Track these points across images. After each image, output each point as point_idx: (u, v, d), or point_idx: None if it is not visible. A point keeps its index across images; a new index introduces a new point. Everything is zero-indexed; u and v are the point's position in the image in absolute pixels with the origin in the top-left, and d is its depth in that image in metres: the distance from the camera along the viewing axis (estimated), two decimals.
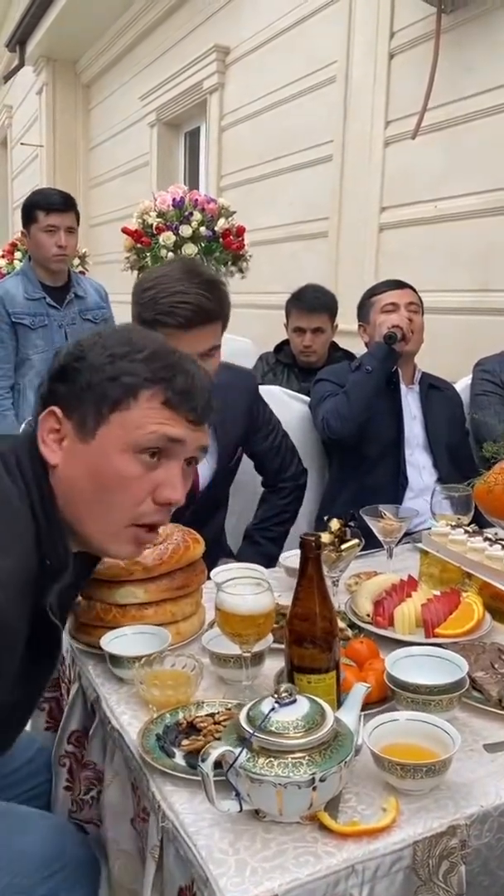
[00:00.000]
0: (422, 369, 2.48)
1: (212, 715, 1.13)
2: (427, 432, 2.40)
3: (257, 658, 1.23)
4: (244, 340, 4.44)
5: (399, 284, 2.43)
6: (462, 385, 2.67)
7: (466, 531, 1.58)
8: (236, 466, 2.02)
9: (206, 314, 1.64)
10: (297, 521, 2.56)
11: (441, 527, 1.62)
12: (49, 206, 2.83)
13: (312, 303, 3.03)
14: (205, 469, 1.89)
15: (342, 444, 2.30)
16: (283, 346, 3.22)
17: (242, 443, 2.00)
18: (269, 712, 0.93)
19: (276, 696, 0.94)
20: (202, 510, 1.82)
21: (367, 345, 2.47)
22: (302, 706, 0.94)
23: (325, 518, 1.53)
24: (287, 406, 2.53)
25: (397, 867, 0.90)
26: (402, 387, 2.41)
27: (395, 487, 2.33)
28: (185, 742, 1.07)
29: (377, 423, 2.29)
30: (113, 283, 3.42)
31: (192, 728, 1.10)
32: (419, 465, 2.39)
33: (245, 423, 1.99)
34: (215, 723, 1.10)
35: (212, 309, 1.65)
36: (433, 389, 2.46)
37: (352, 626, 1.41)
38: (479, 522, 1.73)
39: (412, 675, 1.12)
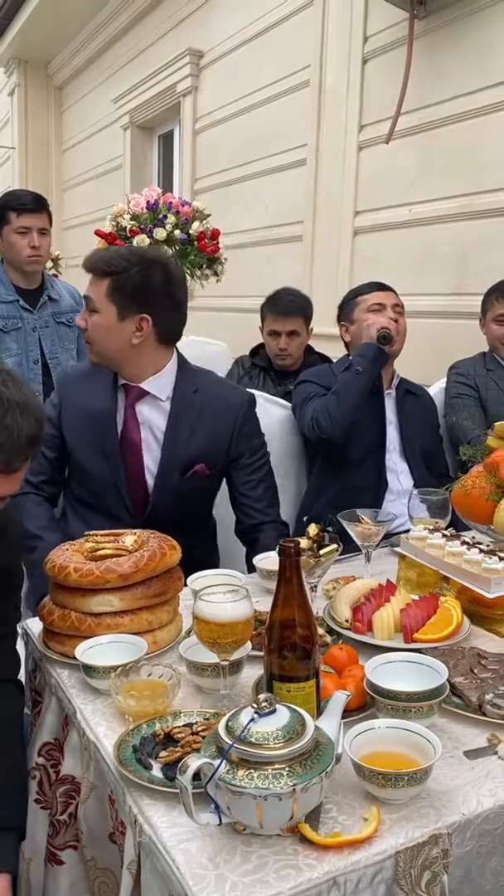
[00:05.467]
0: (399, 374, 2.48)
1: (189, 725, 1.11)
2: (402, 437, 2.40)
3: (235, 666, 1.22)
4: (219, 344, 4.43)
5: (383, 286, 2.43)
6: (437, 388, 2.68)
7: (444, 535, 1.57)
8: (205, 485, 1.91)
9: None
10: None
11: (418, 531, 1.61)
12: (21, 206, 2.79)
13: (287, 306, 3.02)
14: (147, 471, 1.85)
15: (329, 444, 2.29)
16: (258, 350, 3.21)
17: (207, 461, 1.86)
18: (249, 723, 0.91)
19: (255, 706, 0.93)
20: (163, 523, 1.63)
21: (347, 345, 2.47)
22: (282, 716, 0.93)
23: (305, 518, 1.52)
24: (263, 409, 2.50)
25: (379, 878, 0.89)
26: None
27: (376, 490, 2.33)
28: (162, 754, 1.05)
29: (360, 426, 2.29)
30: (86, 286, 3.38)
31: (169, 739, 1.08)
32: (396, 469, 2.39)
33: (211, 442, 1.86)
34: (193, 733, 1.08)
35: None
36: (409, 395, 2.46)
37: (330, 632, 1.40)
38: (457, 526, 1.73)
39: (391, 682, 1.11)
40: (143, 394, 1.84)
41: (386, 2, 3.29)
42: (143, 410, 1.85)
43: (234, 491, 1.96)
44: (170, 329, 1.83)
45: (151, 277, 1.75)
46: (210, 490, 1.96)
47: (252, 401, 1.98)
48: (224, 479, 1.97)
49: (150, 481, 1.85)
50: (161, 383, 1.85)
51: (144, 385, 1.84)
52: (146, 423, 1.85)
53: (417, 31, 3.27)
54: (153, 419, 1.85)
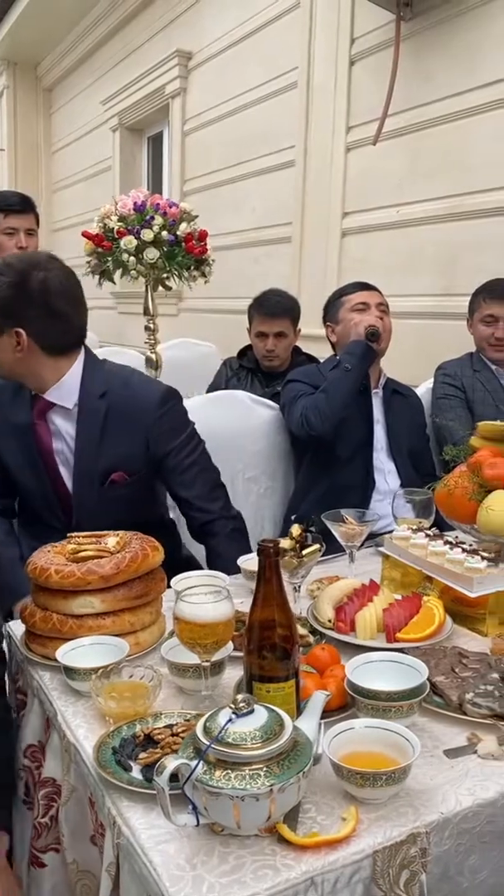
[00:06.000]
0: (386, 374, 2.49)
1: (170, 726, 1.10)
2: (389, 437, 2.41)
3: (217, 667, 1.22)
4: (208, 345, 4.44)
5: (367, 286, 2.45)
6: (423, 389, 2.69)
7: (427, 535, 1.58)
8: (134, 492, 1.81)
9: None
10: (263, 523, 2.56)
11: (402, 530, 1.62)
12: (8, 207, 2.79)
13: (274, 308, 3.03)
14: (67, 482, 1.79)
15: (318, 441, 2.30)
16: (246, 351, 3.22)
17: (125, 468, 1.78)
18: (227, 723, 0.91)
19: (233, 706, 0.92)
20: (104, 526, 1.54)
21: (333, 346, 2.48)
22: (260, 716, 0.93)
23: (293, 517, 1.52)
24: (252, 410, 2.53)
25: (357, 878, 0.89)
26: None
27: (363, 489, 2.34)
28: (142, 755, 1.05)
29: (348, 424, 2.30)
30: None
31: (149, 740, 1.08)
32: (384, 469, 2.40)
33: (124, 448, 1.77)
34: (173, 734, 1.08)
35: None
36: (396, 395, 2.47)
37: (314, 632, 1.40)
38: (441, 526, 1.73)
39: (372, 682, 1.11)
40: (51, 404, 1.77)
41: (372, 3, 3.30)
42: (57, 420, 1.78)
43: (171, 494, 1.90)
44: (51, 339, 1.71)
45: (22, 289, 1.66)
46: (142, 496, 1.84)
47: (167, 396, 1.83)
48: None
49: (72, 492, 1.79)
50: (63, 392, 1.75)
51: (48, 395, 1.76)
52: (58, 434, 1.78)
53: (404, 32, 3.28)
54: (66, 429, 1.78)
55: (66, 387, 1.76)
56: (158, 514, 1.99)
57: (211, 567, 1.80)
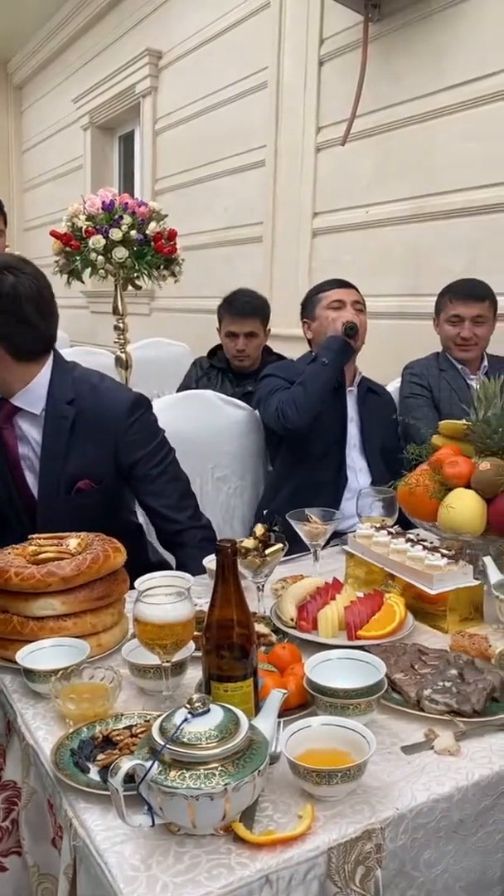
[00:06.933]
0: (361, 373, 2.50)
1: (129, 728, 1.10)
2: (362, 435, 2.43)
3: (178, 668, 1.22)
4: (180, 345, 4.43)
5: (344, 284, 2.47)
6: (392, 388, 2.71)
7: (390, 532, 1.59)
8: (100, 500, 1.79)
9: None
10: (232, 522, 2.56)
11: (365, 528, 1.63)
12: None
13: (244, 308, 3.03)
14: (33, 488, 1.77)
15: (293, 436, 2.30)
16: (216, 351, 3.22)
17: (91, 476, 1.75)
18: (182, 723, 0.91)
19: (188, 706, 0.93)
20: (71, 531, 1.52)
21: (310, 342, 2.49)
22: (216, 716, 0.93)
23: (265, 513, 1.53)
24: (221, 410, 2.53)
25: (312, 875, 0.89)
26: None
27: (336, 486, 2.35)
28: (100, 757, 1.04)
29: (323, 421, 2.31)
30: None
31: (108, 742, 1.07)
32: (355, 467, 2.41)
33: (91, 456, 1.75)
34: (132, 735, 1.07)
35: None
36: (370, 393, 2.49)
37: (276, 630, 1.40)
38: (405, 524, 1.75)
39: (331, 680, 1.12)
40: (17, 409, 1.74)
41: (341, 4, 3.31)
42: (23, 425, 1.75)
43: (141, 502, 1.88)
44: (20, 345, 1.69)
45: None
46: (108, 503, 1.81)
47: (137, 404, 1.81)
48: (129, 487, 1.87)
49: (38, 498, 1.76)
50: (31, 397, 1.72)
51: (15, 400, 1.73)
52: (24, 439, 1.75)
53: (372, 34, 3.30)
54: (32, 434, 1.75)
55: (33, 392, 1.73)
56: (125, 520, 1.97)
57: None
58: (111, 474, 1.79)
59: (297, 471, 2.37)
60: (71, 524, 1.62)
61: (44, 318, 1.71)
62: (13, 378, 1.72)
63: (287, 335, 3.47)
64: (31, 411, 1.74)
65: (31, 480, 1.77)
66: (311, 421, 2.26)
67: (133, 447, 1.78)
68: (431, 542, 1.53)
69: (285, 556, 1.53)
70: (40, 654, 1.26)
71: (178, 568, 1.85)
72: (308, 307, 2.49)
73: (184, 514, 1.86)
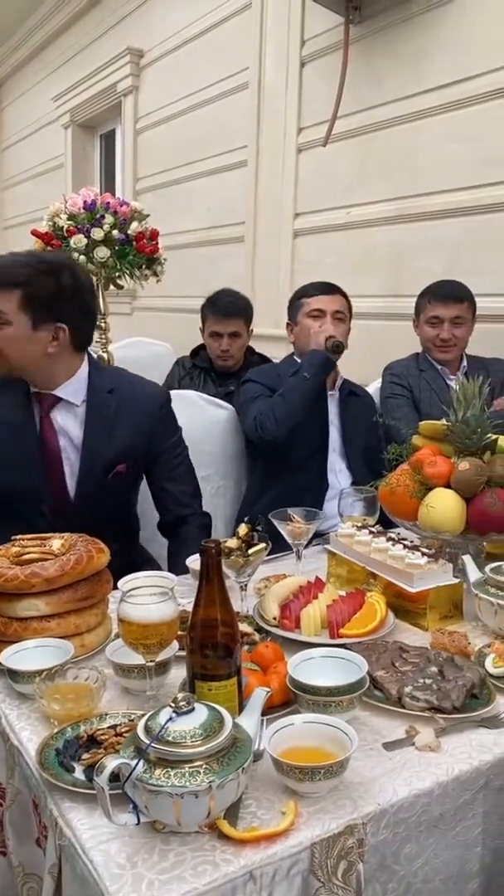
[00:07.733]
0: (343, 376, 2.52)
1: (114, 727, 1.11)
2: (343, 437, 2.44)
3: (162, 668, 1.23)
4: (163, 345, 4.42)
5: (330, 289, 2.44)
6: (373, 388, 2.73)
7: (371, 532, 1.61)
8: (128, 485, 1.93)
9: None
10: (215, 522, 2.56)
11: (347, 528, 1.65)
12: None
13: (227, 308, 3.04)
14: (69, 478, 1.82)
15: (271, 446, 2.31)
16: (199, 351, 3.22)
17: (127, 460, 1.85)
18: (167, 722, 0.92)
19: (173, 705, 0.94)
20: (84, 530, 1.54)
21: (293, 344, 2.50)
22: (200, 714, 0.94)
23: (246, 518, 1.54)
24: (204, 411, 2.53)
25: (295, 870, 0.91)
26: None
27: (317, 491, 2.36)
28: (84, 756, 1.05)
29: (303, 430, 2.31)
30: None
31: (92, 741, 1.08)
32: (336, 468, 2.42)
33: (130, 442, 1.85)
34: (117, 735, 1.08)
35: None
36: (352, 396, 2.50)
37: (259, 629, 1.42)
38: (386, 523, 1.77)
39: (314, 678, 1.13)
40: (57, 400, 1.81)
41: (322, 6, 3.33)
42: (57, 418, 1.81)
43: (156, 487, 1.97)
44: (84, 335, 1.82)
45: (62, 284, 1.72)
46: (131, 488, 1.96)
47: (168, 397, 1.99)
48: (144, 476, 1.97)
49: (72, 487, 1.81)
50: (74, 388, 1.81)
51: (58, 392, 1.80)
52: (61, 431, 1.81)
53: (353, 35, 3.32)
54: (67, 425, 1.82)
55: (75, 383, 1.81)
56: (133, 514, 2.04)
57: (176, 553, 1.89)
58: (141, 460, 1.90)
59: (278, 479, 2.37)
60: (98, 506, 1.81)
61: (95, 312, 1.85)
62: (64, 368, 1.80)
63: (269, 335, 3.49)
64: (71, 401, 1.81)
65: (68, 471, 1.82)
66: (289, 432, 2.27)
67: (164, 436, 1.92)
68: (412, 541, 1.55)
69: (268, 555, 1.54)
70: (24, 655, 1.26)
71: (173, 545, 1.97)
72: (291, 310, 2.49)
73: (195, 502, 2.01)
